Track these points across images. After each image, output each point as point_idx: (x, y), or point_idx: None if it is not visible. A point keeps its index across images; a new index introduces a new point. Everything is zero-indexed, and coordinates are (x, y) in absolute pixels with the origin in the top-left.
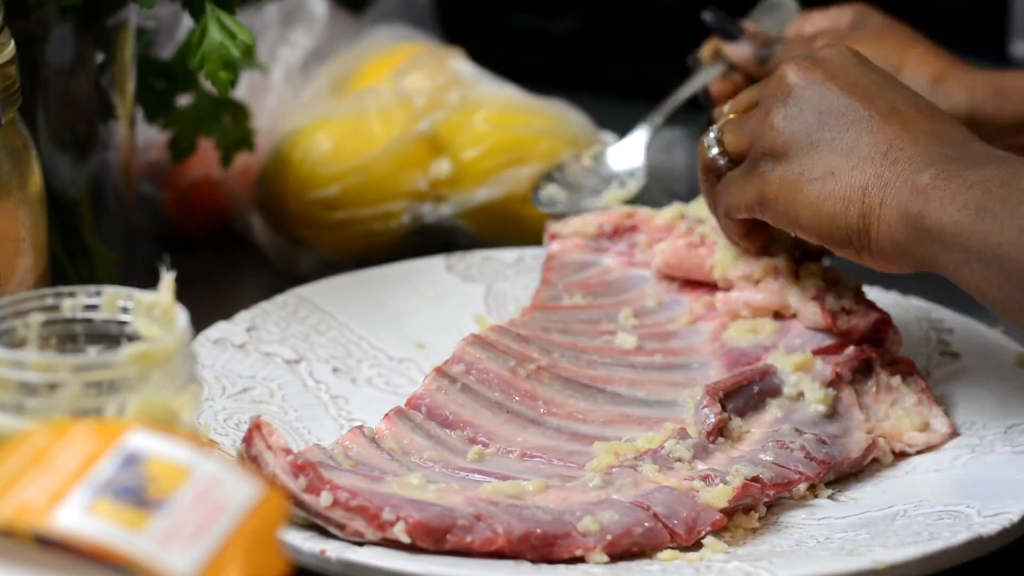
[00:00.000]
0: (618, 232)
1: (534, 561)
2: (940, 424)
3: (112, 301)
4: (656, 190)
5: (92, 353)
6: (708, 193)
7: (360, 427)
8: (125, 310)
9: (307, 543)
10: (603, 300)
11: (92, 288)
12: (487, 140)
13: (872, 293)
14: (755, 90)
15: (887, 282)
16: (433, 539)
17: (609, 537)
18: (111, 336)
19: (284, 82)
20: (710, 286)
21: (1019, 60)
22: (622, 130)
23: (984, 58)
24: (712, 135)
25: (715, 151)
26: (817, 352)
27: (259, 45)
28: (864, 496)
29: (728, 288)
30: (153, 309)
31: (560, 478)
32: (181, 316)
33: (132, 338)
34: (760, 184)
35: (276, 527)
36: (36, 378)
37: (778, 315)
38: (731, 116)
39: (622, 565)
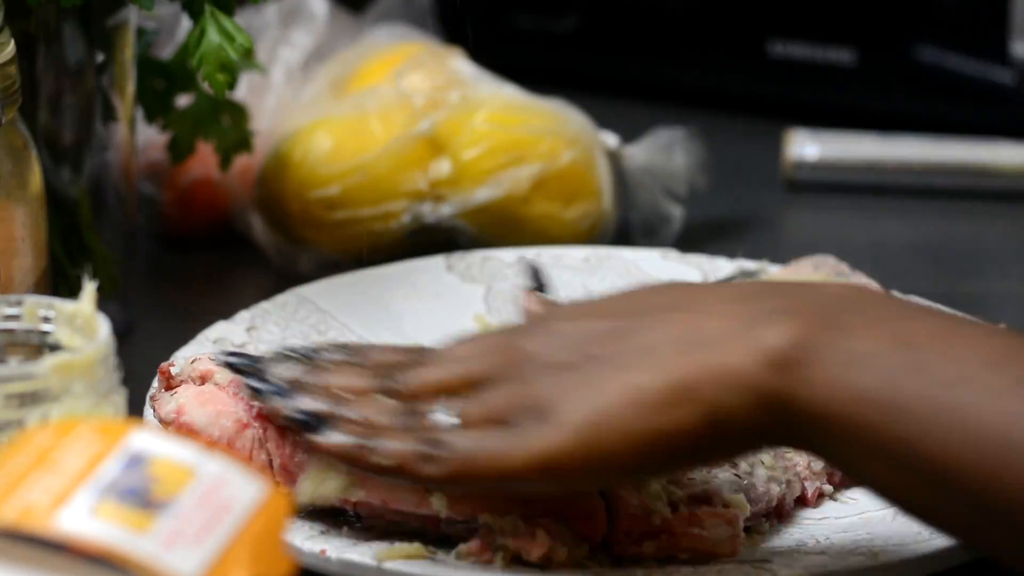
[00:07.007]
0: None
1: None
2: None
3: (33, 310)
4: (656, 190)
5: (13, 364)
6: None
7: None
8: (46, 319)
9: (307, 543)
10: None
11: (12, 297)
12: (487, 140)
13: None
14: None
15: (887, 283)
16: None
17: None
18: (32, 346)
19: (284, 82)
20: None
21: (1019, 60)
22: (622, 130)
23: (984, 58)
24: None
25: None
26: None
27: (259, 45)
28: (864, 496)
29: None
30: (75, 318)
31: None
32: (103, 325)
33: (54, 348)
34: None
35: (281, 527)
36: None
37: None
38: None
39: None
